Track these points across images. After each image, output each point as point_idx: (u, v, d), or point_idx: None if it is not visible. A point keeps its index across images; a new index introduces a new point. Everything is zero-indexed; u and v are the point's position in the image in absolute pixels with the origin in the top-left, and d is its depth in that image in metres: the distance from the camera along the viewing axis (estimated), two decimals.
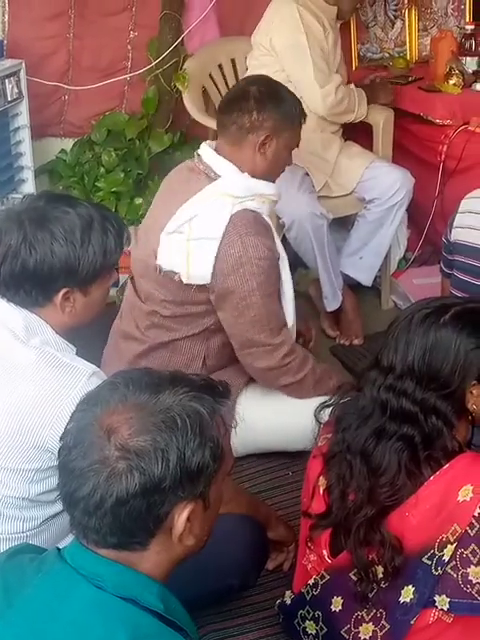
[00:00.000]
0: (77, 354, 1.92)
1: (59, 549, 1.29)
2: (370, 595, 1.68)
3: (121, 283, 3.65)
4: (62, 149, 3.99)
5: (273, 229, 2.53)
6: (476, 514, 1.58)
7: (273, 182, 2.57)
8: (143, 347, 2.61)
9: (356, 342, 3.43)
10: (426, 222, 3.67)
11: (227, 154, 2.50)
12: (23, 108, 3.55)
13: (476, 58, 3.81)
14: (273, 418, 2.63)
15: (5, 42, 3.59)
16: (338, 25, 3.57)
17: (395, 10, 4.15)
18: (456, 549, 1.59)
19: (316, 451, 1.84)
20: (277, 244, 2.52)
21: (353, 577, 1.70)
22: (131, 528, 1.21)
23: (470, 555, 1.59)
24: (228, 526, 1.79)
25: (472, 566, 1.59)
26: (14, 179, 3.61)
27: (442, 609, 1.61)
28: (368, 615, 1.69)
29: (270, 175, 2.55)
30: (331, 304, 3.43)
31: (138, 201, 3.79)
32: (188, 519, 1.23)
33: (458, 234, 2.60)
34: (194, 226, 2.42)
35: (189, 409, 1.23)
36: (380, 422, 1.69)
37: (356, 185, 3.45)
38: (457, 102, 3.60)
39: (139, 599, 1.21)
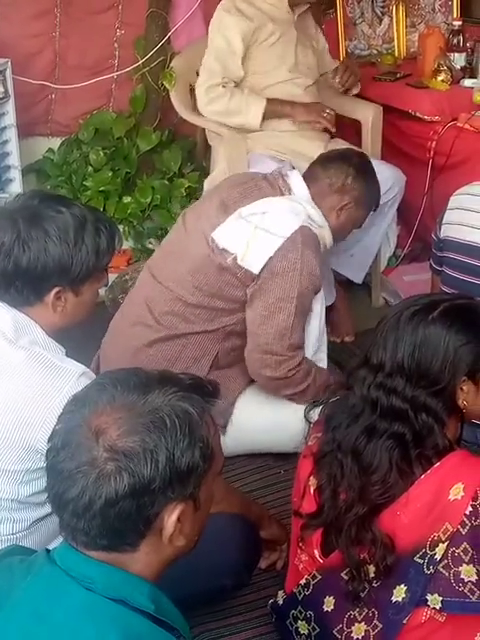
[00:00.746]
0: (67, 356, 1.92)
1: (48, 551, 1.28)
2: (362, 595, 1.67)
3: (110, 282, 3.66)
4: (49, 148, 3.98)
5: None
6: (467, 512, 1.58)
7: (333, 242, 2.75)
8: (155, 335, 2.60)
9: (348, 339, 3.43)
10: (416, 219, 3.66)
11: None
12: (9, 107, 3.54)
13: (464, 54, 3.82)
14: (268, 419, 2.64)
15: None
16: (309, 20, 3.53)
17: (382, 6, 4.15)
18: (448, 548, 1.58)
19: (306, 451, 1.83)
20: None
21: (345, 577, 1.69)
22: (121, 529, 1.20)
23: (462, 554, 1.59)
24: (220, 526, 1.79)
25: (464, 565, 1.59)
26: (1, 179, 3.60)
27: (434, 608, 1.61)
28: (360, 615, 1.69)
29: (334, 235, 2.73)
30: (327, 299, 3.42)
31: (126, 200, 3.78)
32: (178, 520, 1.22)
33: (448, 231, 2.60)
34: (266, 219, 2.51)
35: (178, 409, 1.22)
36: (370, 420, 1.69)
37: None
38: (445, 98, 3.60)
39: (129, 600, 1.21)
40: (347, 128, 3.66)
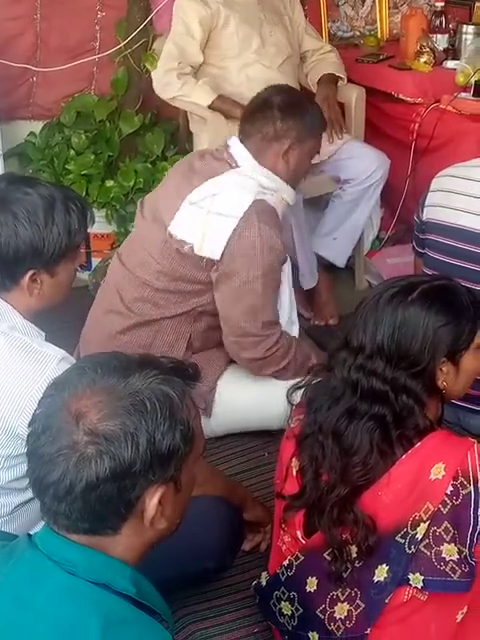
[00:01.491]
0: (47, 341, 1.91)
1: (30, 535, 1.28)
2: (344, 575, 1.68)
3: (94, 266, 3.64)
4: (31, 132, 3.94)
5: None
6: (448, 492, 1.59)
7: (294, 189, 2.66)
8: (127, 322, 2.60)
9: (331, 322, 3.44)
10: (399, 201, 3.67)
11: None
12: None
13: (446, 35, 3.82)
14: (251, 397, 2.64)
15: None
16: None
17: None
18: (429, 527, 1.59)
19: (289, 433, 1.83)
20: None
21: (327, 557, 1.70)
22: (102, 513, 1.20)
23: (443, 533, 1.60)
24: (203, 508, 1.80)
25: (445, 544, 1.60)
26: None
27: (416, 587, 1.62)
28: (343, 595, 1.69)
29: (291, 181, 2.63)
30: (309, 282, 3.42)
31: (109, 183, 3.75)
32: (159, 502, 1.22)
33: (430, 213, 2.60)
34: (216, 201, 2.46)
35: (158, 392, 1.22)
36: (351, 402, 1.69)
37: (328, 157, 3.42)
38: (428, 80, 3.60)
39: (111, 583, 1.21)
40: None
